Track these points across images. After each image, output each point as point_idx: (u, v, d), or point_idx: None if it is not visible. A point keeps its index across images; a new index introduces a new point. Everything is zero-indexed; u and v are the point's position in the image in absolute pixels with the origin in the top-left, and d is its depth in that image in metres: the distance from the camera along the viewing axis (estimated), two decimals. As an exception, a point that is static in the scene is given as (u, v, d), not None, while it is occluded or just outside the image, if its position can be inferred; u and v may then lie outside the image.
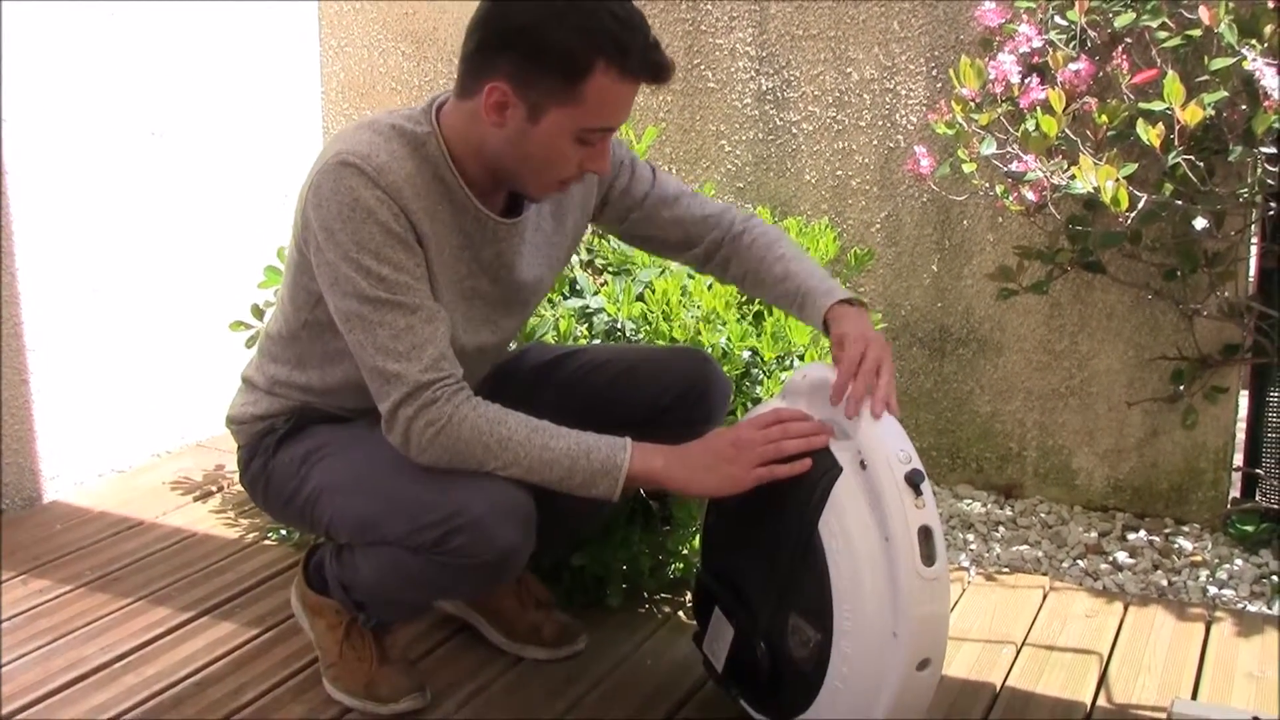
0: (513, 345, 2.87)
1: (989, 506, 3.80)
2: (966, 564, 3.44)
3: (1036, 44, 3.27)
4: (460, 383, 2.36)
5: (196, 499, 3.80)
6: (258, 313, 3.60)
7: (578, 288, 3.20)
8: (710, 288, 3.11)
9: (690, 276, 3.14)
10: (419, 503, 2.37)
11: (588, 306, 3.15)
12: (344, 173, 2.32)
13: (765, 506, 2.39)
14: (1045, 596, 3.23)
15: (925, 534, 2.22)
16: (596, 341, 3.09)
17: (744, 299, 3.22)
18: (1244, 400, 3.68)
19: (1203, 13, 3.03)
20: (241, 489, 3.70)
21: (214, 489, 3.85)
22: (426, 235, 2.38)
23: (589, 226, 2.74)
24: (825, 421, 2.37)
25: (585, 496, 2.35)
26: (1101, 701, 2.76)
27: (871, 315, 3.20)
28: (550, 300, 3.15)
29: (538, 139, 2.32)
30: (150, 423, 4.08)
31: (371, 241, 2.32)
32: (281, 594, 3.17)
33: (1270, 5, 3.02)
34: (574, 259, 3.29)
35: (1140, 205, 3.13)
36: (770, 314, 3.12)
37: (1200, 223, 3.26)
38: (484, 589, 2.76)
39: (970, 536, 3.62)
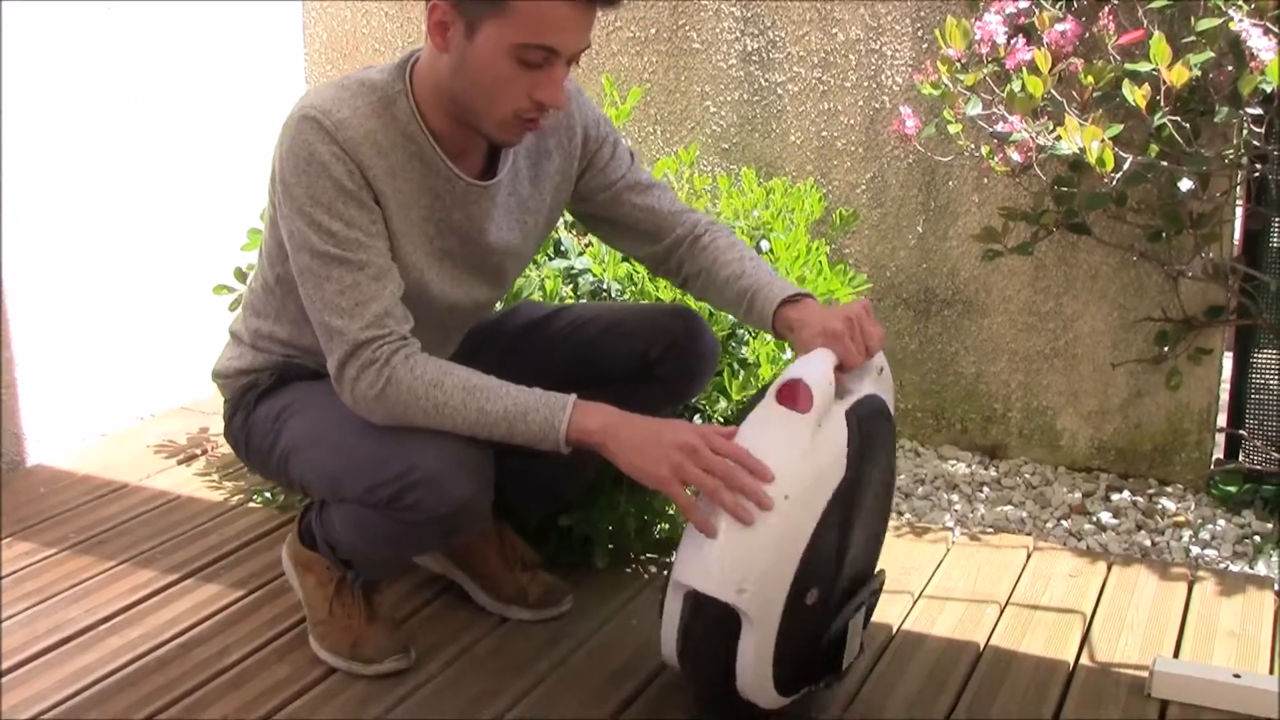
0: (499, 306, 2.87)
1: (973, 467, 3.81)
2: (951, 524, 3.45)
3: (1022, 4, 3.27)
4: (401, 341, 2.36)
5: (181, 462, 3.80)
6: (241, 276, 3.59)
7: (563, 249, 3.20)
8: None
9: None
10: (374, 460, 2.39)
11: (573, 267, 3.15)
12: (303, 126, 2.32)
13: None
14: (1029, 556, 3.24)
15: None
16: (584, 301, 3.09)
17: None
18: (1228, 362, 3.69)
19: (1189, -27, 3.04)
20: (225, 451, 3.73)
21: (198, 452, 3.85)
22: (386, 194, 2.38)
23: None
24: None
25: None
26: (1084, 660, 2.78)
27: (857, 277, 3.22)
28: (535, 261, 3.15)
29: (476, 59, 2.29)
30: (134, 386, 4.07)
31: (324, 196, 2.32)
32: (266, 555, 3.18)
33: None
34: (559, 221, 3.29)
35: (1126, 166, 3.13)
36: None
37: (1186, 184, 3.27)
38: (446, 543, 2.76)
39: (954, 497, 3.63)
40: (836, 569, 2.41)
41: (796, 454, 2.29)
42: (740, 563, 2.27)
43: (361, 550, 2.64)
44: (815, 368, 2.33)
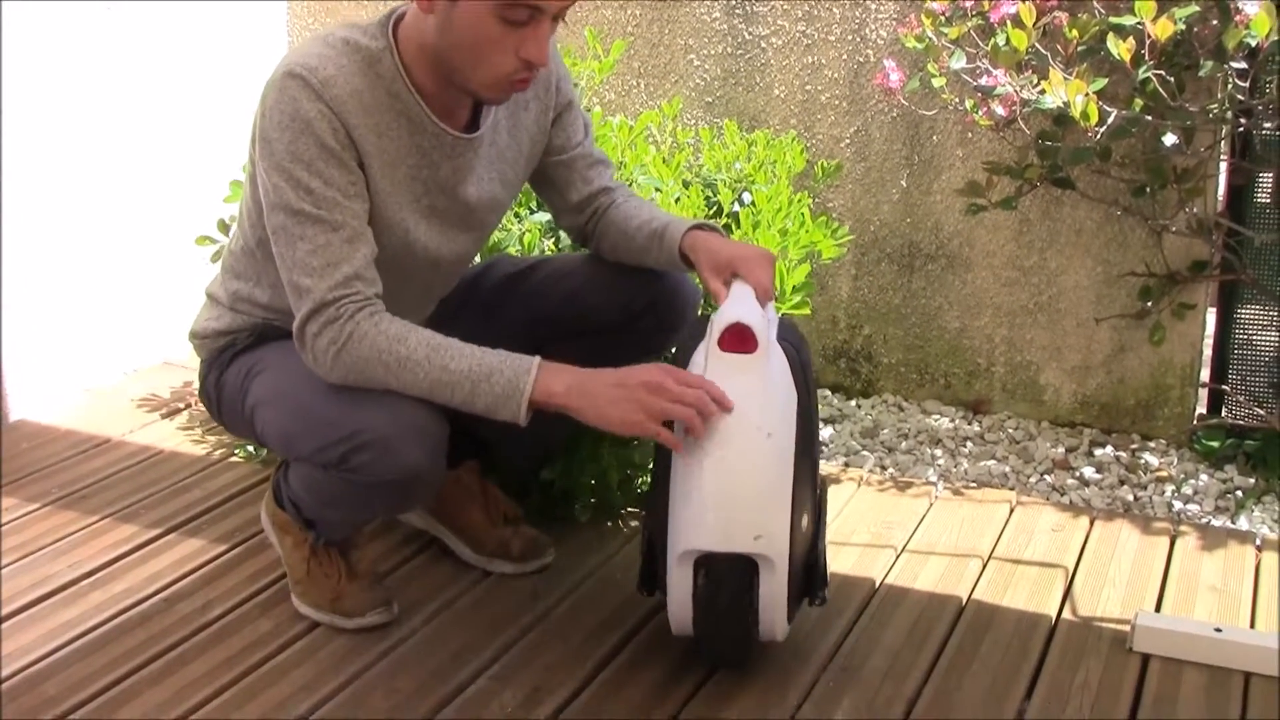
0: (477, 259, 2.86)
1: (957, 422, 3.82)
2: (934, 479, 3.46)
3: (1007, -43, 3.25)
4: (368, 300, 2.35)
5: (164, 416, 3.79)
6: (223, 228, 3.57)
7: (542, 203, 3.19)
8: (678, 200, 3.10)
9: (657, 190, 3.13)
10: (326, 420, 2.38)
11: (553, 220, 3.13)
12: (288, 84, 2.31)
13: None
14: (1012, 511, 3.25)
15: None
16: (564, 253, 3.08)
17: (710, 213, 3.21)
18: (1211, 317, 3.69)
19: (1174, -75, 3.02)
20: (207, 405, 3.72)
21: (181, 406, 3.84)
22: (370, 153, 2.37)
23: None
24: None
25: (493, 419, 2.34)
26: (1066, 614, 2.79)
27: (840, 230, 3.21)
28: (516, 214, 3.14)
29: (461, 21, 2.28)
30: (117, 341, 4.06)
31: (305, 153, 2.31)
32: (248, 510, 3.18)
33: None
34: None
35: (1110, 121, 3.13)
36: (738, 225, 3.11)
37: (1170, 139, 3.26)
38: (395, 509, 2.75)
39: (938, 452, 3.64)
40: (812, 487, 2.47)
41: (763, 393, 2.33)
42: (748, 510, 2.31)
43: (318, 510, 2.64)
44: (747, 306, 2.37)
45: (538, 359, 2.33)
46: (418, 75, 2.40)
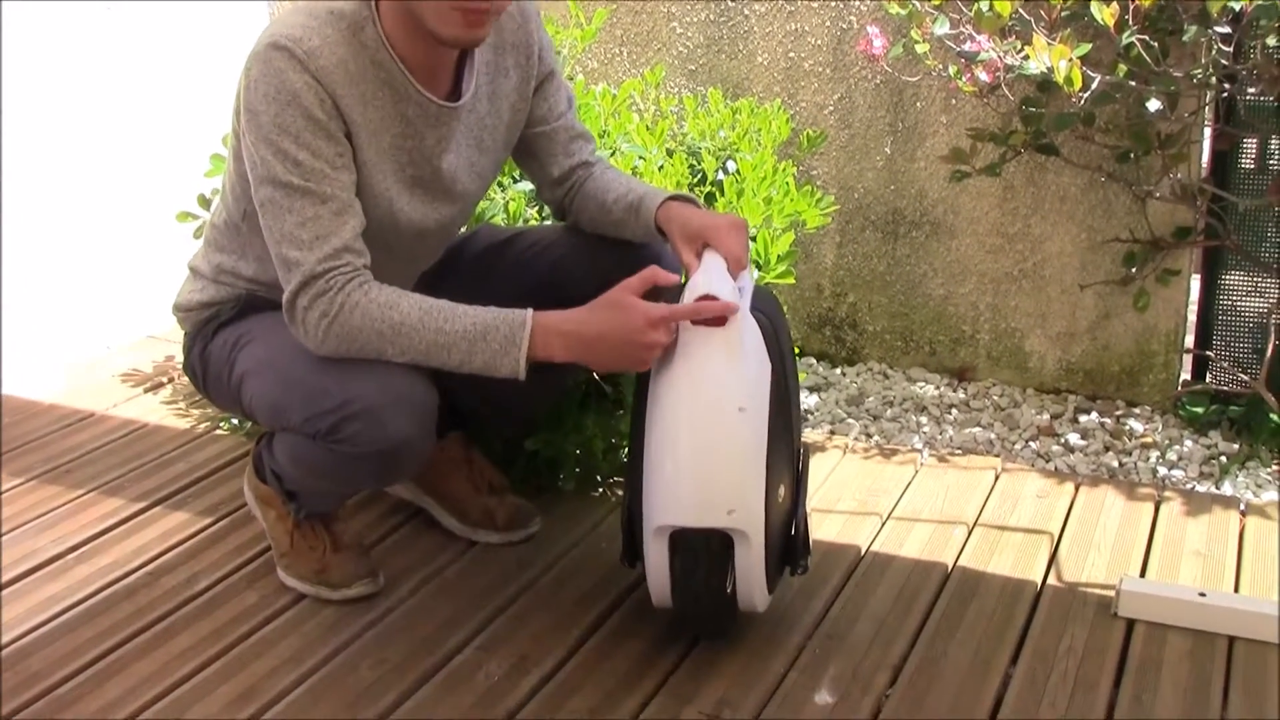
0: (463, 230, 2.86)
1: (942, 389, 3.82)
2: (919, 446, 3.46)
3: (990, -78, 3.25)
4: (358, 271, 2.35)
5: (147, 390, 3.79)
6: (204, 202, 3.57)
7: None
8: (661, 169, 3.10)
9: (641, 158, 3.12)
10: (316, 390, 2.38)
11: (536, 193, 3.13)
12: (274, 55, 2.30)
13: None
14: (997, 478, 3.26)
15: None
16: (548, 223, 3.08)
17: (694, 181, 3.21)
18: (1195, 283, 3.70)
19: (1157, -111, 3.01)
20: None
21: (165, 380, 3.84)
22: (357, 123, 2.37)
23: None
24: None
25: (492, 377, 2.35)
26: (1052, 580, 2.79)
27: (824, 199, 3.21)
28: (500, 183, 3.13)
29: None
30: (100, 315, 4.05)
31: (293, 126, 2.31)
32: (234, 483, 3.18)
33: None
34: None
35: (1094, 86, 3.12)
36: (722, 194, 3.11)
37: (1154, 104, 3.26)
38: (383, 480, 2.74)
39: (923, 419, 3.64)
40: (790, 456, 2.47)
41: (735, 366, 2.32)
42: (720, 485, 2.31)
43: (302, 482, 2.64)
44: (718, 278, 2.36)
45: (530, 312, 2.33)
46: (399, 42, 2.39)
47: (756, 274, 3.03)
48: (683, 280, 2.43)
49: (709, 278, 2.35)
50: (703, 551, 2.37)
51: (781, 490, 2.42)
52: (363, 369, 2.35)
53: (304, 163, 2.32)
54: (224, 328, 2.63)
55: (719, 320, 2.31)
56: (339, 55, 2.34)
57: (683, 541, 2.37)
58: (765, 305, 2.49)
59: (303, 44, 2.30)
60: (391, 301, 2.33)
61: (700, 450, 2.31)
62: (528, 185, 3.12)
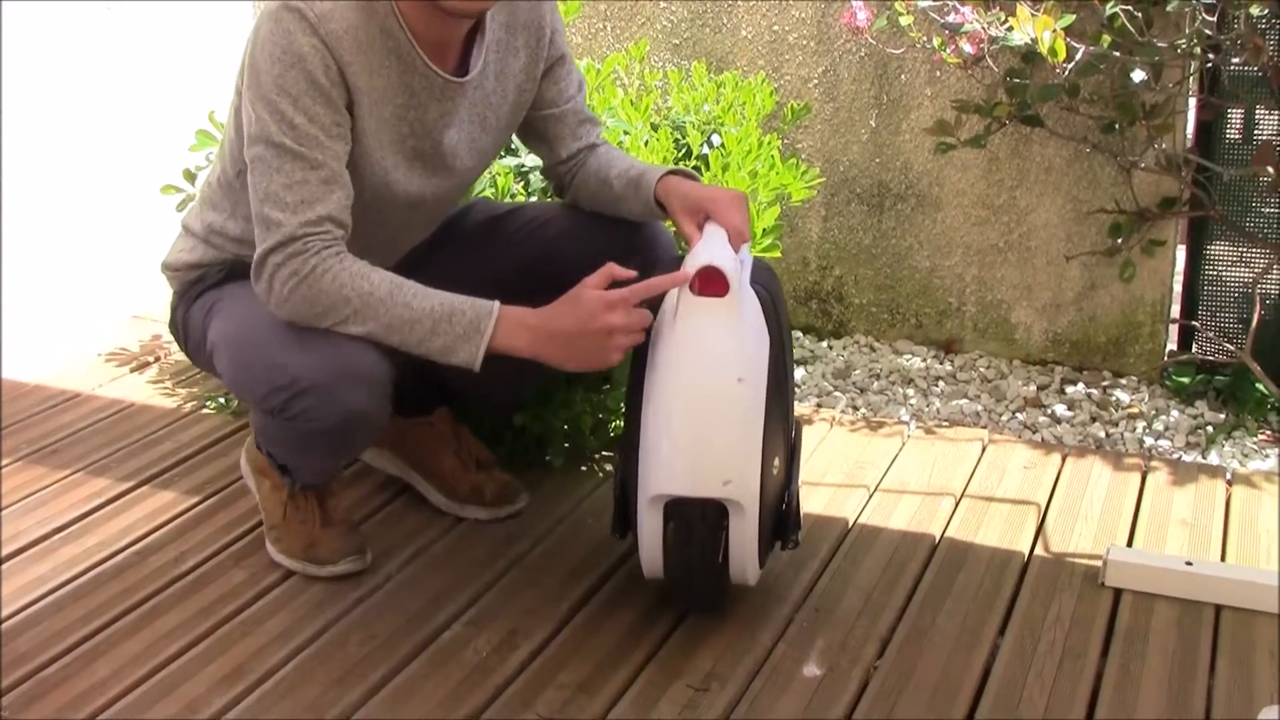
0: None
1: (928, 362, 3.83)
2: (906, 418, 3.47)
3: (973, -107, 3.24)
4: (336, 240, 2.35)
5: (133, 370, 3.78)
6: (190, 177, 3.55)
7: (513, 146, 3.18)
8: (646, 144, 3.10)
9: (625, 133, 3.12)
10: (270, 365, 2.39)
11: (523, 165, 3.13)
12: (284, 16, 2.30)
13: None
14: (984, 449, 3.27)
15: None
16: (534, 199, 3.08)
17: (679, 155, 3.21)
18: (1181, 253, 3.70)
19: None
20: (178, 358, 3.72)
21: (150, 360, 3.83)
22: (361, 90, 2.36)
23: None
24: None
25: (446, 363, 2.34)
26: (1039, 551, 2.80)
27: (809, 172, 3.21)
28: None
29: None
30: (85, 295, 4.04)
31: (294, 87, 2.30)
32: (220, 461, 3.18)
33: None
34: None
35: (1078, 57, 3.13)
36: (707, 168, 3.10)
37: (1138, 75, 3.26)
38: (340, 453, 2.73)
39: (910, 391, 3.65)
40: (785, 430, 2.48)
41: (735, 337, 2.33)
42: (717, 455, 2.32)
43: (285, 456, 2.65)
44: (718, 249, 2.36)
45: (497, 303, 2.33)
46: (410, 14, 2.39)
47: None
48: (681, 252, 2.43)
49: (710, 250, 2.35)
50: (697, 522, 2.38)
51: (776, 463, 2.43)
52: (315, 343, 2.35)
53: (299, 126, 2.31)
54: (206, 292, 2.64)
55: (720, 289, 2.30)
56: (349, 21, 2.33)
57: (678, 511, 2.38)
58: (764, 278, 2.49)
59: (314, 7, 2.30)
60: (362, 272, 2.33)
61: (698, 420, 2.32)
62: (514, 160, 3.12)
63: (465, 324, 2.31)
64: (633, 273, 2.36)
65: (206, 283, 2.64)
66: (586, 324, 2.30)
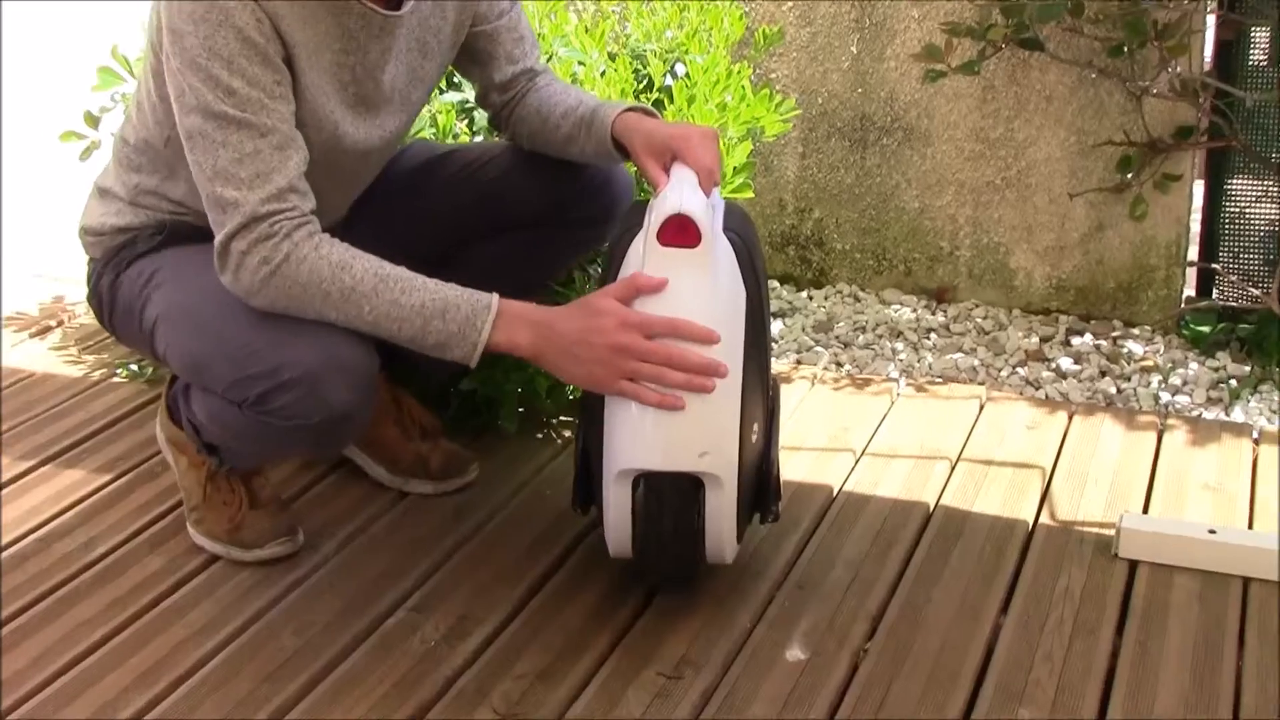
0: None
1: (919, 312, 3.83)
2: (895, 375, 3.48)
3: None
4: (305, 218, 2.32)
5: (33, 335, 3.76)
6: (92, 120, 3.52)
7: (455, 81, 3.17)
8: (603, 74, 3.09)
9: (580, 64, 3.11)
10: (245, 349, 2.35)
11: (467, 101, 3.12)
12: None
13: None
14: (982, 408, 3.28)
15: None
16: (479, 139, 3.06)
17: (640, 87, 3.20)
18: (1199, 189, 3.71)
19: None
20: (85, 321, 3.70)
21: (53, 324, 3.81)
22: (298, 43, 2.33)
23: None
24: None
25: (439, 359, 2.33)
26: (1044, 519, 2.82)
27: (784, 103, 3.20)
28: (426, 94, 3.12)
29: None
30: (-24, 251, 4.02)
31: (225, 49, 2.26)
32: (134, 436, 3.17)
33: None
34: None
35: (1082, -30, 3.13)
36: (671, 101, 3.09)
37: (1149, -11, 3.27)
38: (317, 453, 2.72)
39: (899, 345, 3.66)
40: (763, 393, 2.46)
41: (707, 293, 2.31)
42: (692, 425, 2.30)
43: (224, 441, 2.62)
44: (689, 193, 2.33)
45: (495, 296, 2.31)
46: None
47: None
48: (643, 196, 2.41)
49: (679, 194, 2.32)
50: (670, 497, 2.36)
51: (755, 428, 2.42)
52: (299, 328, 2.32)
53: (239, 91, 2.27)
54: (141, 258, 2.59)
55: (691, 240, 2.28)
56: None
57: (648, 486, 2.36)
58: (738, 224, 2.47)
59: None
60: (344, 262, 2.29)
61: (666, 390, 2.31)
62: (457, 96, 3.10)
63: (461, 319, 2.29)
64: (662, 280, 2.30)
65: (140, 248, 2.60)
66: (593, 335, 2.28)
